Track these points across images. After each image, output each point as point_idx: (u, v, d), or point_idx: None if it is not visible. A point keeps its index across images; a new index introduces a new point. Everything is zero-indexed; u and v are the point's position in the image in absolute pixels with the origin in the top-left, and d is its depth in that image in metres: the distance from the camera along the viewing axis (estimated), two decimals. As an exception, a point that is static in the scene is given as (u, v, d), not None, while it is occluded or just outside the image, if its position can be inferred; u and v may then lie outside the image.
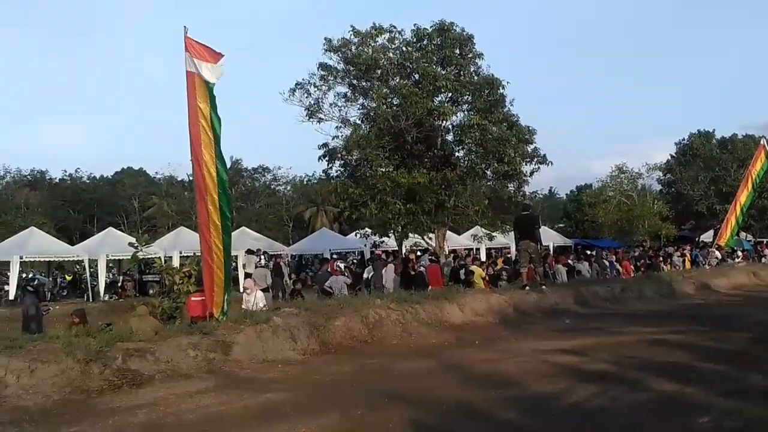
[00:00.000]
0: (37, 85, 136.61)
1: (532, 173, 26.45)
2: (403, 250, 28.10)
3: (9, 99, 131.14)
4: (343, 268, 23.15)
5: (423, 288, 17.54)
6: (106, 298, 29.45)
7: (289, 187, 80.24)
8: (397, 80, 25.55)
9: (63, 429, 7.00)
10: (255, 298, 14.94)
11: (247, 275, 19.90)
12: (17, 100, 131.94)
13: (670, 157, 62.16)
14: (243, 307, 14.29)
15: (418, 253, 26.88)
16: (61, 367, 8.49)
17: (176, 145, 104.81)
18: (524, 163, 25.94)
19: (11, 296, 27.24)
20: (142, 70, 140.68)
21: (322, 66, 25.52)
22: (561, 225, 68.39)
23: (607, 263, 26.04)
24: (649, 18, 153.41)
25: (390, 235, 27.85)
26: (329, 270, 22.52)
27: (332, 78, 25.64)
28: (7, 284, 28.34)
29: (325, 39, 25.31)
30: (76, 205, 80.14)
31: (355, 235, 33.02)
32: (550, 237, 43.42)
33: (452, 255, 27.23)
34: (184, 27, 11.79)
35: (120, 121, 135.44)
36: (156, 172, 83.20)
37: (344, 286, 19.00)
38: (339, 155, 26.17)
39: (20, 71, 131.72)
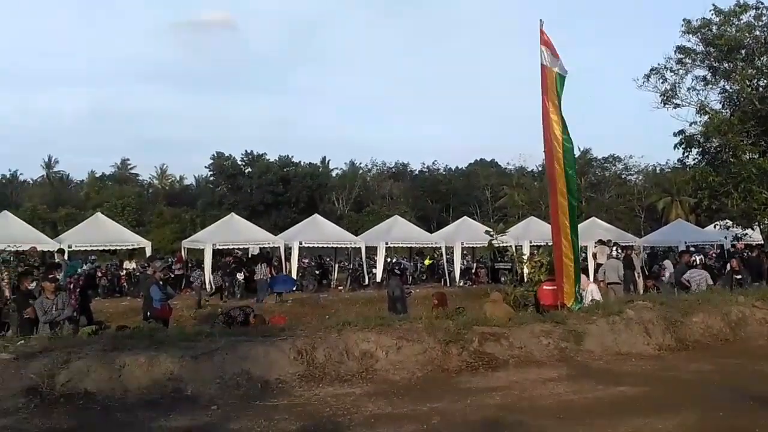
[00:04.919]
0: (399, 82, 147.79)
1: None
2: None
3: (375, 95, 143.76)
4: (698, 261, 21.75)
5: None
6: (461, 283, 30.86)
7: (640, 177, 77.12)
8: (765, 60, 23.28)
9: (427, 404, 7.52)
10: (588, 292, 14.63)
11: (598, 266, 19.63)
12: (382, 96, 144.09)
13: None
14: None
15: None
16: (423, 347, 9.16)
17: (527, 135, 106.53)
18: None
19: (378, 278, 29.81)
20: (496, 62, 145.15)
21: (680, 49, 24.12)
22: None
23: None
24: None
25: (754, 227, 25.62)
26: (686, 263, 21.35)
27: (690, 61, 24.12)
28: (375, 267, 31.05)
29: (684, 20, 23.88)
30: (433, 195, 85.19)
31: (714, 227, 30.98)
32: None
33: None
34: (540, 20, 11.95)
35: (474, 114, 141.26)
36: (507, 163, 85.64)
37: (703, 281, 17.84)
38: (697, 142, 24.57)
39: (386, 69, 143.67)
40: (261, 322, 13.68)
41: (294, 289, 26.96)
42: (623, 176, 77.52)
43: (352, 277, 31.20)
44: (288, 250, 28.73)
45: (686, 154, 25.18)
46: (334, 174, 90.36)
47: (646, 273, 24.34)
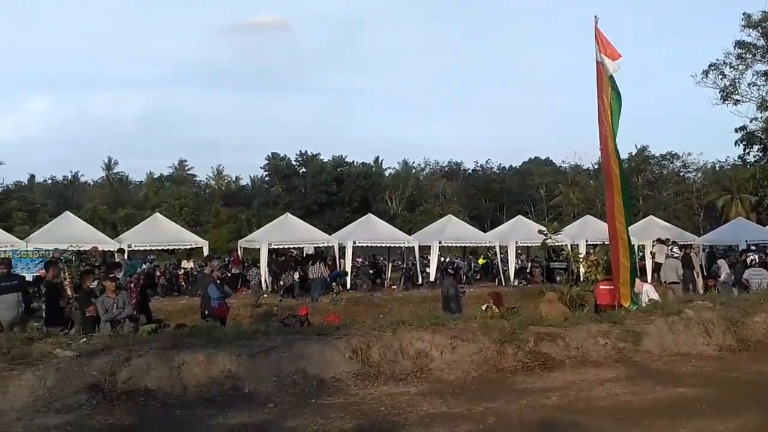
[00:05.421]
0: (451, 81, 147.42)
1: None
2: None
3: (427, 94, 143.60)
4: (756, 260, 21.21)
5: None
6: (516, 282, 30.62)
7: (699, 174, 75.48)
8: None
9: (482, 404, 7.47)
10: (643, 293, 14.33)
11: (656, 265, 19.29)
12: (434, 95, 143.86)
13: None
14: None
15: None
16: (478, 346, 9.10)
17: (583, 133, 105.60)
18: None
19: (432, 278, 29.78)
20: (549, 59, 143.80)
21: (740, 44, 23.55)
22: None
23: None
24: None
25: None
26: (743, 262, 20.83)
27: (751, 56, 23.53)
28: (428, 266, 31.01)
29: (744, 15, 23.34)
30: (487, 194, 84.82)
31: (777, 224, 30.19)
32: None
33: None
34: (595, 17, 11.80)
35: (528, 111, 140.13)
36: (562, 161, 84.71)
37: (764, 281, 17.38)
38: (758, 138, 23.96)
39: (437, 68, 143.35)
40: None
41: (348, 284, 27.24)
42: (681, 174, 76.04)
43: (406, 277, 31.23)
44: (342, 249, 28.88)
45: (747, 150, 24.69)
46: (387, 173, 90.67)
47: (705, 273, 23.85)
